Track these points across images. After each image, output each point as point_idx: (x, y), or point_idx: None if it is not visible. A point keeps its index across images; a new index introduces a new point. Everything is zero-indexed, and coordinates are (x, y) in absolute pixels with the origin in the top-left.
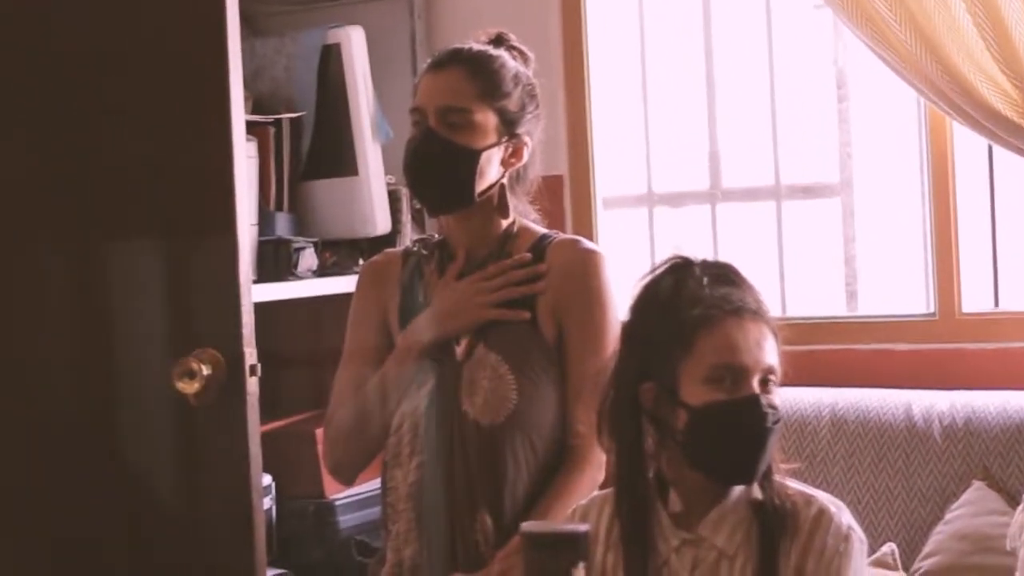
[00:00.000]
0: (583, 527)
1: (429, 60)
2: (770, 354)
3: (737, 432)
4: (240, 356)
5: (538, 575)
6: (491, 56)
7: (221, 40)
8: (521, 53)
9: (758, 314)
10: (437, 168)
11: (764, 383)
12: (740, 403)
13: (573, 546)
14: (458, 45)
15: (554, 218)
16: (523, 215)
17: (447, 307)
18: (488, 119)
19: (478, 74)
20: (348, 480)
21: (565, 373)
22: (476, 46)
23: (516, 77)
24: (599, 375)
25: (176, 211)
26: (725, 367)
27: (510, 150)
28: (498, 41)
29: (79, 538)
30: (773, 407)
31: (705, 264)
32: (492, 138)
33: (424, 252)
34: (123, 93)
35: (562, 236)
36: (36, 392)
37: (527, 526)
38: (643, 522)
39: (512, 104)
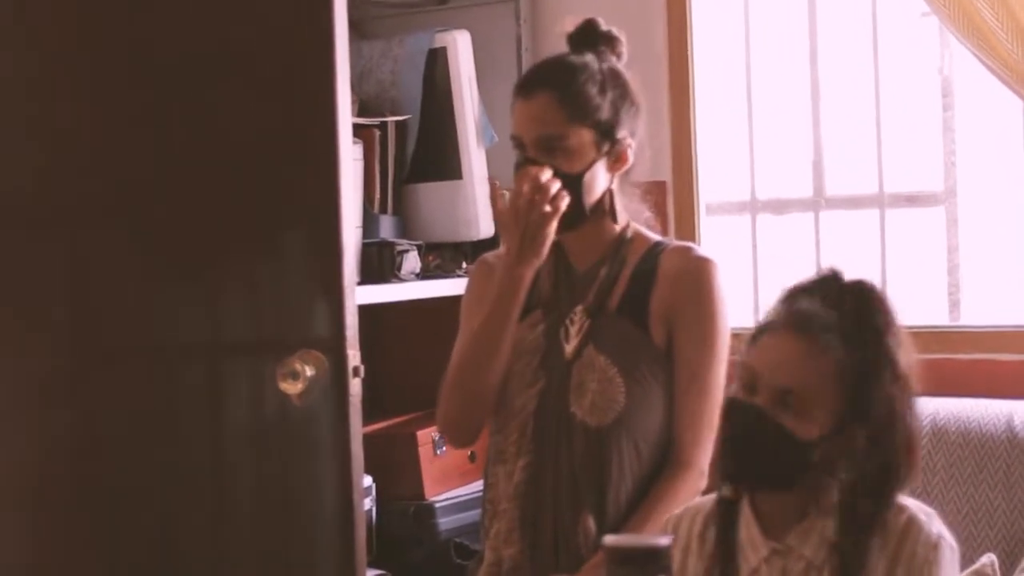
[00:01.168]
0: (664, 541)
1: (517, 83)
2: (793, 374)
3: (724, 432)
4: (343, 358)
5: None
6: (575, 69)
7: (329, 43)
8: (609, 41)
9: (808, 333)
10: None
11: (779, 400)
12: (733, 403)
13: (654, 560)
14: (542, 60)
15: (658, 224)
16: (636, 215)
17: (508, 235)
18: (584, 138)
19: (565, 96)
20: (461, 440)
21: (674, 379)
22: (559, 60)
23: (603, 85)
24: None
25: (283, 213)
26: (751, 373)
27: (613, 157)
28: (585, 32)
29: (181, 536)
30: (754, 415)
31: (832, 279)
32: (592, 154)
33: None
34: (232, 95)
35: (676, 243)
36: (141, 389)
37: (609, 540)
38: (733, 532)
39: (605, 114)
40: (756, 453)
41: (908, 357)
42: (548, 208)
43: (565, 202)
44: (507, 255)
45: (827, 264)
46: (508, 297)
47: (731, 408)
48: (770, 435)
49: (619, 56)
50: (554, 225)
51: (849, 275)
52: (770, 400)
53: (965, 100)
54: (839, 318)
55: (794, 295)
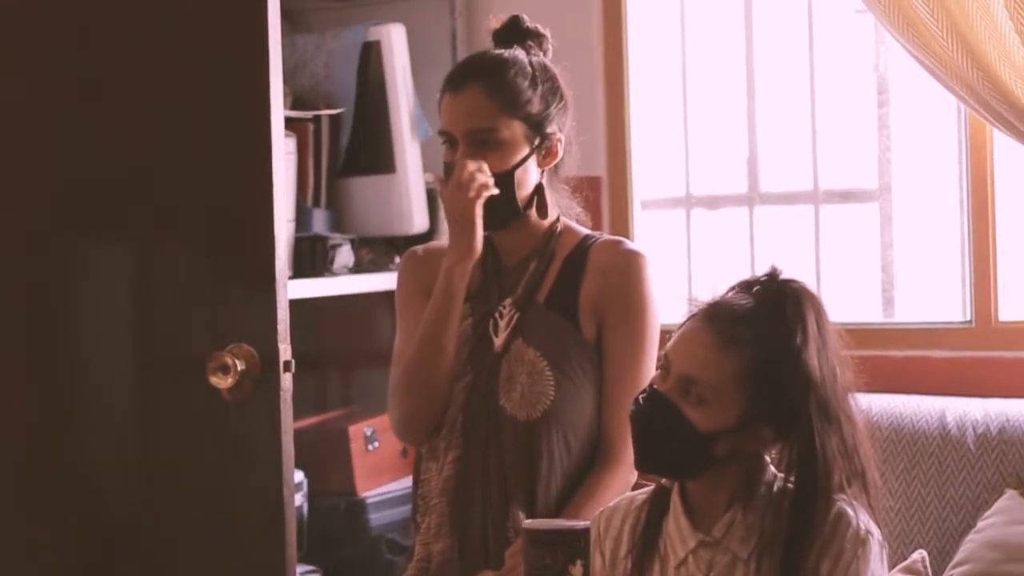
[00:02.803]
0: (582, 524)
1: (446, 78)
2: (697, 364)
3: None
4: (275, 352)
5: (536, 571)
6: (505, 63)
7: (262, 36)
8: (536, 37)
9: (717, 325)
10: None
11: (683, 388)
12: (645, 388)
13: (571, 543)
14: (471, 55)
15: (592, 219)
16: (566, 211)
17: (449, 221)
18: (515, 130)
19: (495, 88)
20: (417, 441)
21: (603, 372)
22: (489, 54)
23: (534, 78)
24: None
25: (214, 206)
26: (665, 359)
27: (543, 152)
28: (511, 28)
29: (109, 530)
30: (656, 400)
31: (768, 276)
32: (523, 148)
33: None
34: (162, 87)
35: (605, 237)
36: (70, 384)
37: (528, 523)
38: (660, 519)
39: (535, 107)
40: (657, 439)
41: (831, 360)
42: (471, 194)
43: (490, 191)
44: (447, 252)
45: (771, 262)
46: (445, 295)
47: (641, 392)
48: (671, 422)
49: (546, 52)
50: (478, 212)
51: (786, 274)
52: (675, 387)
53: (900, 97)
54: (757, 315)
55: (733, 289)
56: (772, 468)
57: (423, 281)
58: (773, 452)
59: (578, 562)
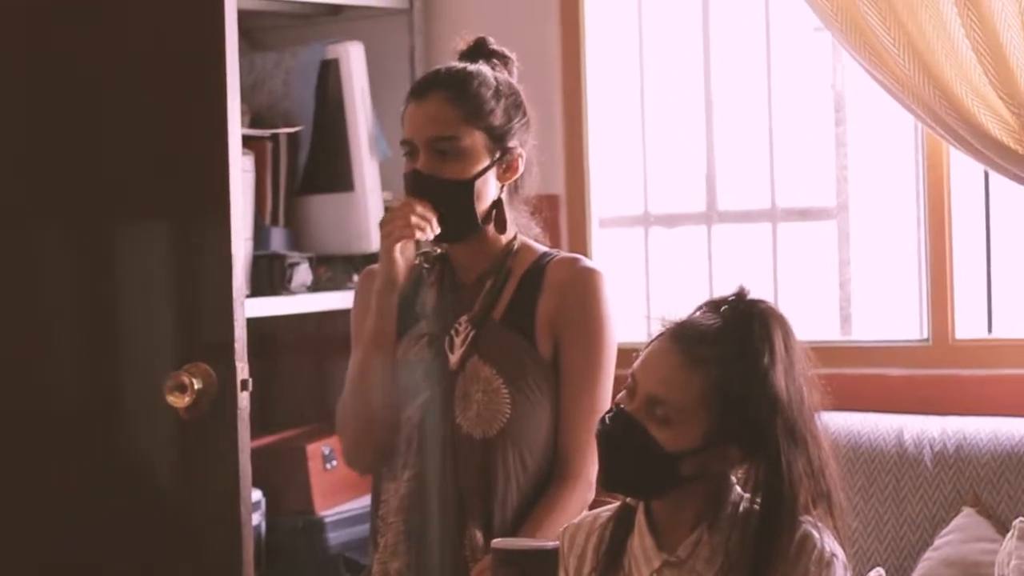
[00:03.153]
0: (551, 544)
1: (410, 88)
2: (664, 384)
3: (595, 435)
4: (232, 371)
5: None
6: (469, 75)
7: (219, 54)
8: (502, 58)
9: (684, 345)
10: (436, 205)
11: (649, 407)
12: (612, 407)
13: (540, 563)
14: (436, 68)
15: (550, 237)
16: (525, 230)
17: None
18: (477, 141)
19: (459, 98)
20: (364, 470)
21: (560, 390)
22: (454, 66)
23: (498, 91)
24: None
25: (171, 224)
26: (632, 379)
27: (504, 166)
28: (477, 49)
29: (67, 549)
30: (623, 420)
31: (736, 296)
32: (484, 159)
33: (426, 265)
34: (119, 105)
35: (562, 254)
36: (28, 402)
37: (497, 542)
38: (624, 538)
39: (497, 119)
40: (623, 458)
41: (798, 381)
42: (394, 234)
43: (421, 235)
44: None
45: (738, 282)
46: (375, 325)
47: (608, 412)
48: (637, 442)
49: (511, 73)
50: (396, 249)
51: (753, 295)
52: (642, 407)
53: (857, 115)
54: (724, 335)
55: (700, 308)
56: (738, 488)
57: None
58: (739, 472)
59: None
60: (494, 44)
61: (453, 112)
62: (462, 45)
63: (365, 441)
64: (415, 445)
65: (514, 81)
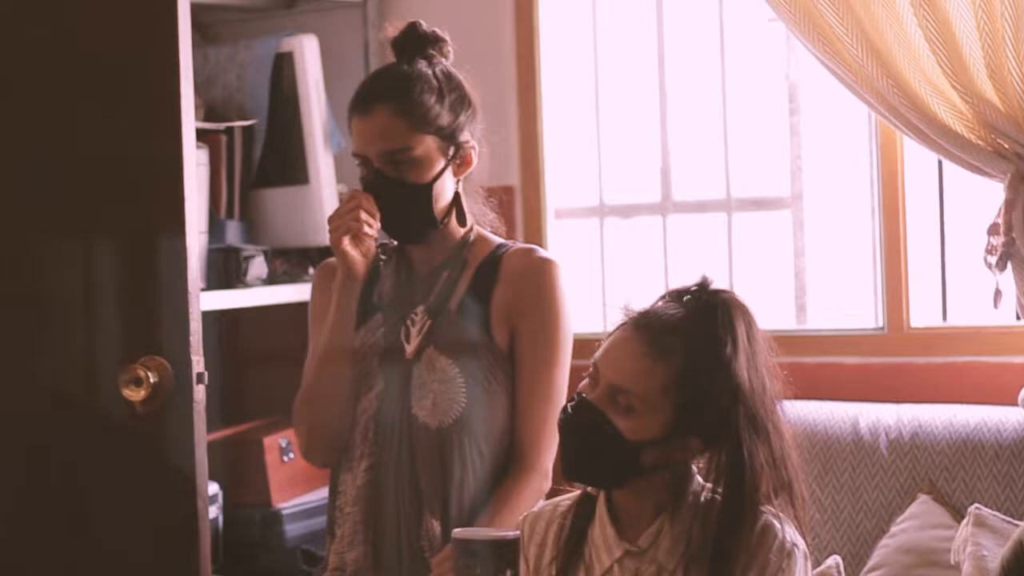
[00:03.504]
0: (512, 534)
1: (352, 99)
2: (626, 373)
3: (557, 424)
4: (187, 364)
5: None
6: (410, 79)
7: (172, 47)
8: (435, 41)
9: (647, 335)
10: (395, 208)
11: (612, 397)
12: (574, 396)
13: (502, 553)
14: (374, 73)
15: (506, 228)
16: (480, 218)
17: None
18: (429, 146)
19: (404, 108)
20: (321, 462)
21: (516, 380)
22: (393, 71)
23: (440, 91)
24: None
25: (125, 218)
26: (594, 367)
27: (458, 161)
28: (409, 36)
29: (24, 544)
30: (585, 409)
31: (699, 286)
32: (439, 161)
33: (383, 257)
34: (72, 99)
35: (518, 245)
36: None
37: (458, 532)
38: (585, 527)
39: (445, 119)
40: (584, 448)
41: (760, 371)
42: (336, 233)
43: (365, 234)
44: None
45: (701, 272)
46: (334, 320)
47: (569, 401)
48: (599, 431)
49: (447, 56)
50: (345, 243)
51: (716, 285)
52: (604, 396)
53: (811, 105)
54: (687, 325)
55: (663, 298)
56: (699, 478)
57: (332, 301)
58: (701, 462)
59: (508, 572)
60: (425, 27)
61: (401, 124)
62: (393, 33)
63: (322, 435)
64: (371, 435)
65: (451, 67)
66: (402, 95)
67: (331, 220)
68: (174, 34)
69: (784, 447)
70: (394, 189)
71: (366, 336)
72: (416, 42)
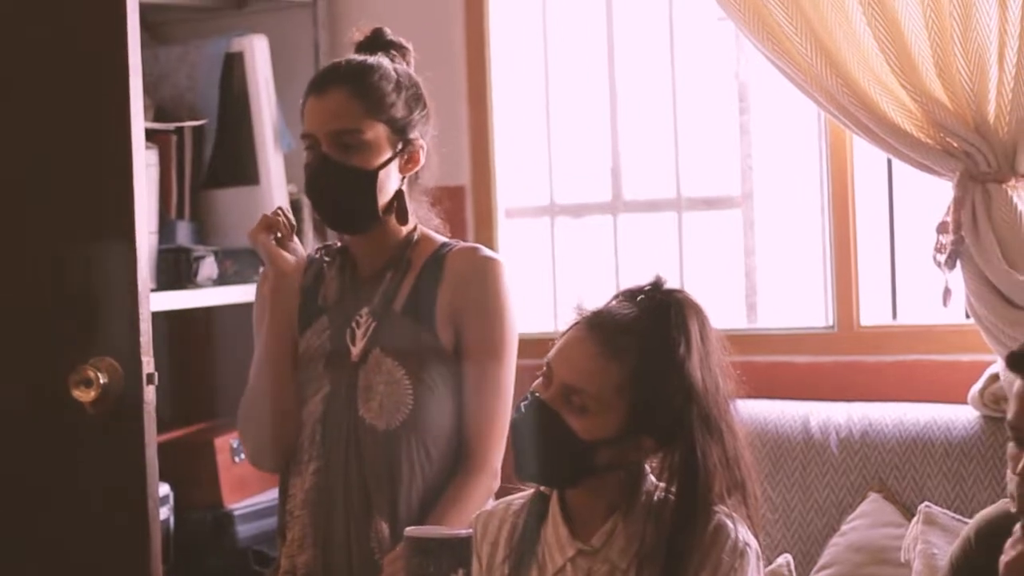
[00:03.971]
0: (464, 532)
1: (309, 82)
2: (580, 373)
3: (510, 424)
4: (138, 365)
5: None
6: (370, 67)
7: (121, 47)
8: (399, 48)
9: (600, 334)
10: (338, 193)
11: (565, 396)
12: (527, 396)
13: (454, 551)
14: (335, 61)
15: (456, 228)
16: (425, 222)
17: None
18: (379, 133)
19: (360, 91)
20: (269, 467)
21: (462, 379)
22: (354, 59)
23: (398, 83)
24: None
25: (75, 218)
26: (548, 367)
27: (406, 157)
28: (374, 40)
29: None
30: (539, 408)
31: (653, 286)
32: (386, 151)
33: (327, 259)
34: (21, 97)
35: (462, 244)
36: None
37: (411, 530)
38: (537, 526)
39: (399, 112)
40: (538, 447)
41: (714, 371)
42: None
43: (283, 232)
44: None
45: (655, 271)
46: (269, 323)
47: (522, 401)
48: (552, 431)
49: (409, 64)
50: (264, 241)
51: (670, 284)
52: (558, 396)
53: (761, 104)
54: (641, 324)
55: (617, 297)
56: (652, 478)
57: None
58: (654, 462)
59: (460, 570)
60: (391, 35)
61: (355, 106)
62: (359, 36)
63: (268, 441)
64: (319, 439)
65: (412, 72)
66: (360, 78)
67: (256, 224)
68: (123, 33)
69: (737, 447)
70: (339, 173)
71: (312, 339)
72: (380, 45)
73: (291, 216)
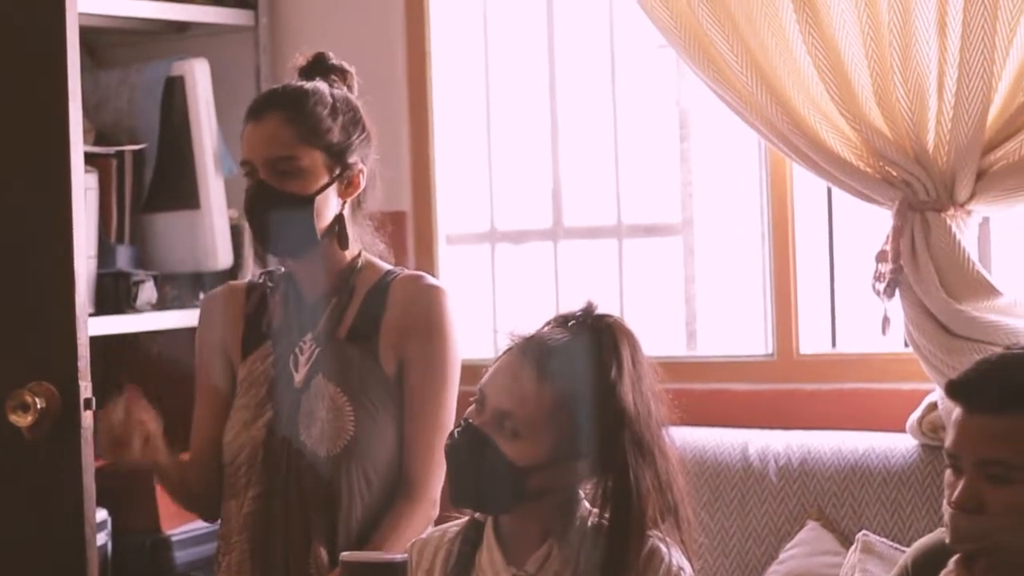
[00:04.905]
0: (400, 557)
1: (248, 108)
2: (512, 398)
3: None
4: (75, 390)
5: None
6: (305, 93)
7: (61, 70)
8: (341, 72)
9: (532, 359)
10: (275, 219)
11: (498, 422)
12: (460, 422)
13: None
14: (272, 87)
15: (397, 254)
16: (369, 247)
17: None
18: (316, 159)
19: (295, 117)
20: (204, 515)
21: (404, 407)
22: (290, 85)
23: (334, 108)
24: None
25: (12, 241)
26: (480, 392)
27: (345, 182)
28: (316, 64)
29: None
30: (471, 434)
31: (584, 311)
32: (324, 177)
33: (270, 284)
34: None
35: (406, 272)
36: None
37: (346, 555)
38: (473, 553)
39: (335, 137)
40: (471, 473)
41: (646, 395)
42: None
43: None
44: None
45: (587, 297)
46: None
47: (456, 426)
48: (485, 457)
49: (351, 88)
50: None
51: (601, 309)
52: (490, 421)
53: (701, 131)
54: (572, 349)
55: (549, 323)
56: (586, 503)
57: (218, 333)
58: (588, 487)
59: None
60: (333, 59)
61: (290, 132)
62: (301, 61)
63: (195, 507)
64: (259, 464)
65: (354, 96)
66: (295, 105)
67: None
68: (62, 56)
69: (670, 471)
70: (276, 200)
71: (255, 364)
72: (322, 69)
73: (138, 407)
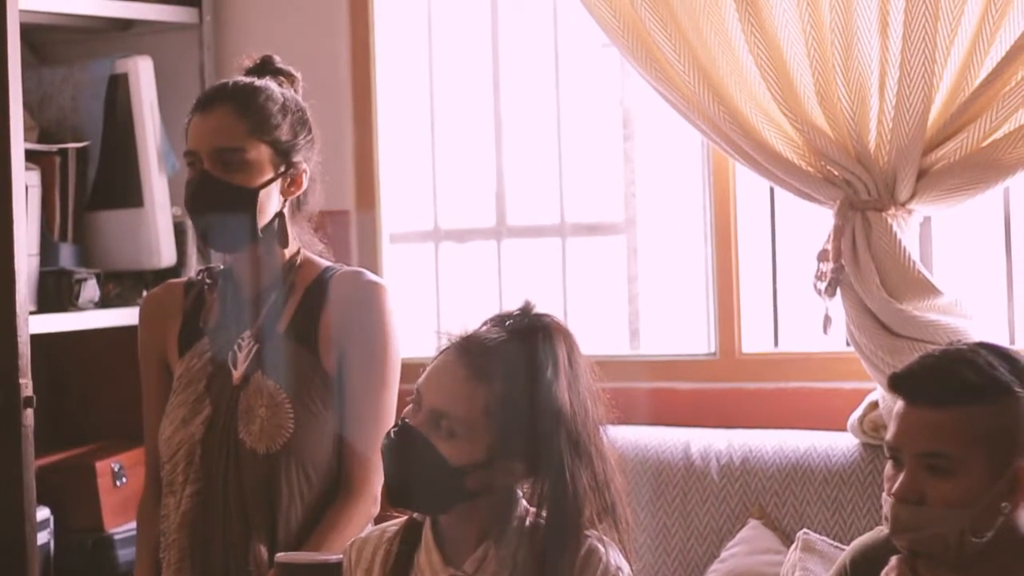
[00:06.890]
0: (335, 558)
1: (196, 101)
2: (448, 397)
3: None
4: (16, 387)
5: None
6: (256, 89)
7: (2, 67)
8: (288, 76)
9: (468, 359)
10: (217, 210)
11: (434, 421)
12: (397, 422)
13: None
14: (222, 81)
15: (340, 252)
16: (308, 246)
17: None
18: (262, 154)
19: (245, 110)
20: None
21: (344, 404)
22: (241, 80)
23: (284, 107)
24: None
25: None
26: (417, 392)
27: (288, 180)
28: (263, 67)
29: None
30: (408, 434)
31: (522, 311)
32: (268, 172)
33: (208, 281)
34: None
35: (345, 268)
36: None
37: (281, 556)
38: (411, 553)
39: (283, 134)
40: (408, 473)
41: (583, 395)
42: None
43: None
44: None
45: (524, 297)
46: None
47: (393, 426)
48: (421, 456)
49: (296, 91)
50: None
51: (539, 309)
52: (426, 421)
53: (645, 131)
54: (508, 349)
55: (487, 323)
56: (524, 503)
57: (157, 332)
58: (525, 486)
59: None
60: (280, 63)
61: (239, 124)
62: (248, 63)
63: None
64: (197, 460)
65: (300, 99)
66: (245, 99)
67: None
68: (3, 54)
69: (607, 471)
70: (219, 190)
71: (192, 361)
72: (268, 70)
73: None
